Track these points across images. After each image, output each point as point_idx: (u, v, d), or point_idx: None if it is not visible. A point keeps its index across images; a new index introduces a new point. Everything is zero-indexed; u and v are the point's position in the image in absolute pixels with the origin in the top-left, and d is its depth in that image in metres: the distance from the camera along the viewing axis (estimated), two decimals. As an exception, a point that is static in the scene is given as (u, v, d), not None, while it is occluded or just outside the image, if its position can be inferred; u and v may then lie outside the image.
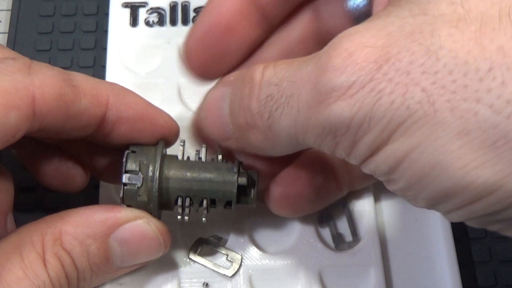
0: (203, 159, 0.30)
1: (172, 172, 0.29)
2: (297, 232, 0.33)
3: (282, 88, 0.24)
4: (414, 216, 0.35)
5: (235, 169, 0.29)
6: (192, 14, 0.40)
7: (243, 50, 0.30)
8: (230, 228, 0.33)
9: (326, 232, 0.34)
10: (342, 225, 0.34)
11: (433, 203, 0.22)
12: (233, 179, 0.29)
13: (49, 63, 0.32)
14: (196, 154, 0.30)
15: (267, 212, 0.33)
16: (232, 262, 0.32)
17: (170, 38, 0.39)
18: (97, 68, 0.40)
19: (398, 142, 0.21)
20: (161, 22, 0.40)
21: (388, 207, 0.35)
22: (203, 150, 0.30)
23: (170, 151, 0.31)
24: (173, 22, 0.40)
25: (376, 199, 0.35)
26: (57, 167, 0.32)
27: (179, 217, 0.30)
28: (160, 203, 0.29)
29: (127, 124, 0.29)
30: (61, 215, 0.28)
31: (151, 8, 0.40)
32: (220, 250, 0.33)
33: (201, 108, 0.29)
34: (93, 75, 0.34)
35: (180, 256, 0.33)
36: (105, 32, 0.40)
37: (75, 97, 0.27)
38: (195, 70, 0.30)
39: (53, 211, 0.28)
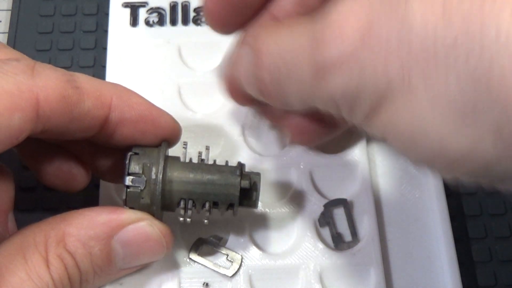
0: (206, 161, 0.30)
1: (175, 175, 0.29)
2: (297, 232, 0.34)
3: (284, 60, 0.25)
4: (414, 216, 0.35)
5: (238, 172, 0.29)
6: (192, 14, 0.40)
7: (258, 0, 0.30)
8: (230, 228, 0.33)
9: (326, 232, 0.34)
10: (342, 225, 0.34)
11: (422, 166, 0.24)
12: (236, 182, 0.29)
13: (49, 63, 0.32)
14: (198, 156, 0.30)
15: (267, 212, 0.33)
16: (232, 262, 0.32)
17: (170, 38, 0.39)
18: (97, 68, 0.40)
19: (383, 111, 0.22)
20: (161, 22, 0.40)
21: (388, 207, 0.35)
22: (205, 152, 0.30)
23: (172, 152, 0.31)
24: (173, 22, 0.40)
25: (376, 199, 0.35)
26: (59, 166, 0.32)
27: (181, 218, 0.30)
28: (162, 205, 0.29)
29: (130, 125, 0.29)
30: (64, 216, 0.28)
31: (151, 8, 0.40)
32: (220, 250, 0.33)
33: (231, 65, 0.31)
34: (93, 75, 0.34)
35: (180, 256, 0.33)
36: (105, 32, 0.40)
37: (79, 98, 0.27)
38: (215, 25, 0.31)
39: (53, 211, 0.28)
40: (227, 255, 0.32)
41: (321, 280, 0.32)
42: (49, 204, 0.36)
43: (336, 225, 0.34)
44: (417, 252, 0.34)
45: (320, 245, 0.33)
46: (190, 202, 0.29)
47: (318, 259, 0.33)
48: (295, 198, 0.34)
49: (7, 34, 0.41)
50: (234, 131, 0.36)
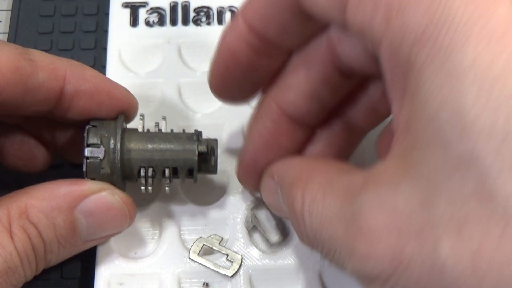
0: (163, 130, 0.31)
1: (133, 144, 0.30)
2: (297, 232, 0.34)
3: (322, 238, 0.24)
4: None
5: (195, 138, 0.30)
6: (192, 14, 0.40)
7: (260, 77, 0.30)
8: (230, 228, 0.33)
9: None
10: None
11: None
12: (194, 147, 0.30)
13: (49, 62, 0.32)
14: (156, 125, 0.31)
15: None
16: (232, 262, 0.32)
17: (170, 38, 0.39)
18: (97, 68, 0.40)
19: None
20: (161, 22, 0.40)
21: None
22: (163, 122, 0.31)
23: (130, 126, 0.31)
24: (173, 22, 0.40)
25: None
26: (19, 146, 0.32)
27: (142, 188, 0.30)
28: (123, 174, 0.30)
29: (86, 97, 0.30)
30: (25, 190, 0.28)
31: (151, 8, 0.40)
32: (220, 250, 0.33)
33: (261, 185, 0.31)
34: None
35: (180, 256, 0.33)
36: (105, 32, 0.40)
37: (33, 70, 0.28)
38: (221, 98, 0.31)
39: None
40: (227, 255, 0.32)
41: (321, 280, 0.32)
42: (10, 187, 0.35)
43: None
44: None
45: (320, 245, 0.33)
46: (150, 170, 0.30)
47: (318, 259, 0.32)
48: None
49: (7, 34, 0.41)
50: (234, 131, 0.36)
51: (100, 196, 0.29)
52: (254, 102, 0.32)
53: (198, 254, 0.32)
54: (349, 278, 0.32)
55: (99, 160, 0.29)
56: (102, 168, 0.29)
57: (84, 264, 0.33)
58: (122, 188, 0.30)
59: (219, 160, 0.32)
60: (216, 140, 0.31)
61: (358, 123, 0.31)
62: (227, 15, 0.40)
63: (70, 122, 0.31)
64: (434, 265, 0.19)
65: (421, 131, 0.20)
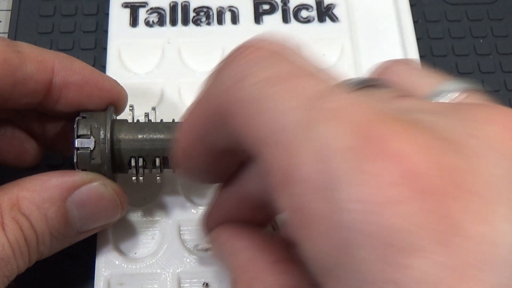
0: (153, 120, 0.31)
1: (123, 134, 0.30)
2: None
3: None
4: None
5: None
6: (192, 14, 0.40)
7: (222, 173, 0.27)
8: (230, 228, 0.33)
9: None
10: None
11: None
12: None
13: (49, 62, 0.32)
14: (145, 116, 0.31)
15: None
16: (232, 262, 0.32)
17: (170, 38, 0.39)
18: (97, 68, 0.39)
19: None
20: (161, 22, 0.40)
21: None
22: (153, 112, 0.31)
23: (120, 118, 0.31)
24: (173, 22, 0.40)
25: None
26: (10, 140, 0.32)
27: (133, 178, 0.30)
28: (113, 165, 0.30)
29: (74, 89, 0.30)
30: (17, 182, 0.28)
31: (151, 8, 0.40)
32: (220, 250, 0.33)
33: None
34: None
35: (180, 256, 0.33)
36: (105, 32, 0.40)
37: (21, 62, 0.28)
38: (189, 179, 0.31)
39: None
40: (227, 255, 0.32)
41: (321, 280, 0.32)
42: (1, 182, 0.35)
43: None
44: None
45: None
46: (141, 160, 0.30)
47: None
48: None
49: (7, 34, 0.41)
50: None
51: (91, 186, 0.29)
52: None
53: (198, 254, 0.32)
54: None
55: (89, 151, 0.29)
56: (93, 159, 0.29)
57: (84, 264, 0.33)
58: (113, 178, 0.30)
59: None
60: None
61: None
62: (227, 15, 0.40)
63: (60, 114, 0.31)
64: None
65: None
